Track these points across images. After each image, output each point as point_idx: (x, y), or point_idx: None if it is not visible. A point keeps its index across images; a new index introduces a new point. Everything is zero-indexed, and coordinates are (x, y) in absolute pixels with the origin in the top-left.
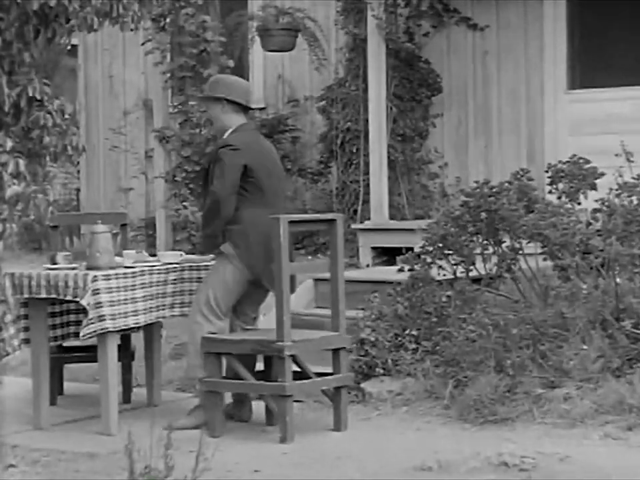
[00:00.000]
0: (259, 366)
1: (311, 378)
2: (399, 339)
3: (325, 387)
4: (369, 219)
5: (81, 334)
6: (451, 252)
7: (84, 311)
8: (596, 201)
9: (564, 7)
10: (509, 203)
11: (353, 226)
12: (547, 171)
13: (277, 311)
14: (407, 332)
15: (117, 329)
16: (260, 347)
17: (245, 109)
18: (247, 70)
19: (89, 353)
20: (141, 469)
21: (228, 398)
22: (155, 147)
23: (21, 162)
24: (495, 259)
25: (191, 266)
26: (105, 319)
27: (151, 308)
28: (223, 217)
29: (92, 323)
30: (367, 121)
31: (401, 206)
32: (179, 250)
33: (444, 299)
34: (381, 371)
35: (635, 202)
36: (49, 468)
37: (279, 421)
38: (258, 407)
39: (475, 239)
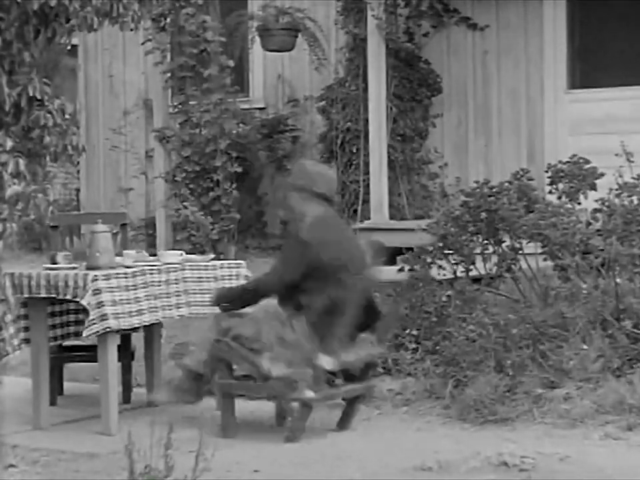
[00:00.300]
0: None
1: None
2: (399, 338)
3: (350, 395)
4: (368, 218)
5: (84, 334)
6: (451, 252)
7: (84, 310)
8: (596, 201)
9: (564, 7)
10: (509, 203)
11: (353, 226)
12: (546, 171)
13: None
14: (407, 332)
15: (118, 329)
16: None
17: (326, 199)
18: (247, 70)
19: (88, 353)
20: (141, 469)
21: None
22: (155, 147)
23: (21, 162)
24: (495, 259)
25: (191, 266)
26: (106, 319)
27: (153, 308)
28: (250, 303)
29: (94, 323)
30: (366, 120)
31: (401, 206)
32: (179, 250)
33: (444, 299)
34: (381, 371)
35: (635, 202)
36: (49, 468)
37: (293, 424)
38: (258, 406)
39: (475, 238)
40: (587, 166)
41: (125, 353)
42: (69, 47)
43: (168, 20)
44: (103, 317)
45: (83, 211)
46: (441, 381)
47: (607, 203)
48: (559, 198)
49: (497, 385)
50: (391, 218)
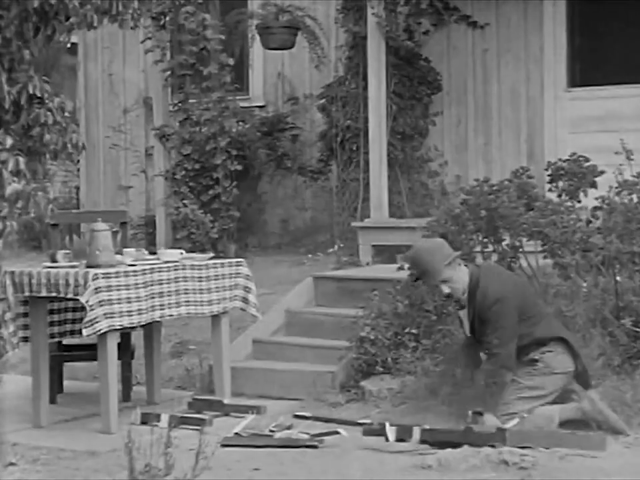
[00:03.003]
0: None
1: None
2: (399, 337)
3: None
4: (368, 216)
5: (84, 333)
6: None
7: (82, 308)
8: (596, 198)
9: (564, 5)
10: (509, 201)
11: (353, 224)
12: (546, 169)
13: None
14: (406, 330)
15: (117, 328)
16: None
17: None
18: (247, 68)
19: (88, 351)
20: (140, 467)
21: None
22: (155, 145)
23: (21, 160)
24: (494, 257)
25: (191, 264)
26: (106, 317)
27: (153, 306)
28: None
29: (96, 322)
30: (366, 119)
31: (401, 204)
32: (179, 248)
33: (444, 297)
34: (381, 369)
35: (635, 200)
36: (49, 466)
37: None
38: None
39: (474, 237)
40: (587, 164)
41: (125, 351)
42: (68, 45)
43: (168, 18)
44: (104, 316)
45: (82, 209)
46: (441, 379)
47: (606, 201)
48: (559, 196)
49: None
50: (391, 216)
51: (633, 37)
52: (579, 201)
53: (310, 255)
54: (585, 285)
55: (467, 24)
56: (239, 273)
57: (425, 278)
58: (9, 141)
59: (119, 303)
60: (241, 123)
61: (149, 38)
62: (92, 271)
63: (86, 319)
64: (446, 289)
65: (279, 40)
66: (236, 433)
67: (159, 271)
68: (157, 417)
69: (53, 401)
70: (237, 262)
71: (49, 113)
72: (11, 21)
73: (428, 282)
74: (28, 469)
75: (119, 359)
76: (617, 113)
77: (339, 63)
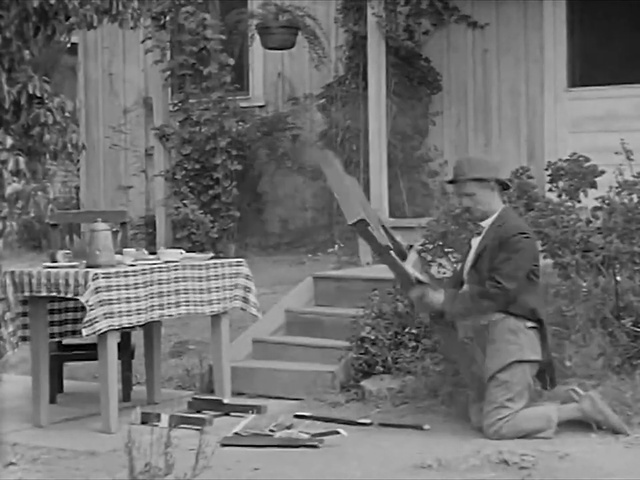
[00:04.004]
0: None
1: None
2: (399, 336)
3: None
4: None
5: (84, 333)
6: (451, 250)
7: (82, 308)
8: (596, 199)
9: (564, 5)
10: (509, 201)
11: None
12: (547, 169)
13: None
14: (406, 330)
15: (118, 327)
16: None
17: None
18: (247, 68)
19: (88, 351)
20: (141, 467)
21: None
22: (155, 145)
23: (21, 159)
24: None
25: (191, 264)
26: (106, 317)
27: (152, 306)
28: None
29: (96, 322)
30: (366, 119)
31: (401, 204)
32: (179, 248)
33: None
34: (381, 369)
35: (635, 200)
36: (49, 466)
37: None
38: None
39: None
40: (587, 164)
41: (125, 350)
42: (68, 45)
43: (168, 18)
44: (103, 316)
45: (82, 209)
46: (441, 379)
47: (607, 201)
48: (559, 196)
49: None
50: (391, 216)
51: (633, 36)
52: (579, 201)
53: (310, 255)
54: (584, 284)
55: (467, 24)
56: (239, 273)
57: (455, 182)
58: (9, 141)
59: (119, 303)
60: (241, 123)
61: (149, 38)
62: (92, 271)
63: (85, 319)
64: (467, 202)
65: (278, 40)
66: (236, 433)
67: (159, 271)
68: (157, 417)
69: (52, 400)
70: (237, 262)
71: (48, 113)
72: (11, 20)
73: (456, 189)
74: (28, 468)
75: (118, 358)
76: (617, 113)
77: (339, 62)
